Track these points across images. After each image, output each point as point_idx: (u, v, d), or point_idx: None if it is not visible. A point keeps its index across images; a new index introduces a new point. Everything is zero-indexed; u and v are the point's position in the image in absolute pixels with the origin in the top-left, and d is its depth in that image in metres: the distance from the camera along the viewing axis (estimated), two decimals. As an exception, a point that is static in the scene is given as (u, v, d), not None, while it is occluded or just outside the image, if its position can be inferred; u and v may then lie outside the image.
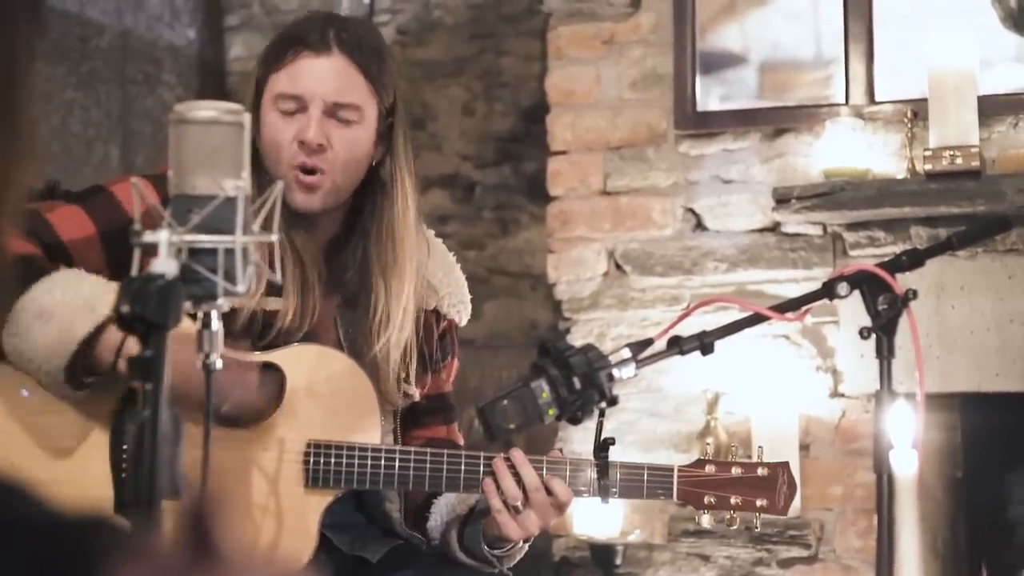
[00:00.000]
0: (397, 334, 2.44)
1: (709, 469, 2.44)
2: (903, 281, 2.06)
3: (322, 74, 2.35)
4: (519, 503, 2.35)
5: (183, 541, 0.79)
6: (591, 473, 2.38)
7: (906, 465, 1.75)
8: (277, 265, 1.99)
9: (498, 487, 2.36)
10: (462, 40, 5.00)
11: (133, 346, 2.05)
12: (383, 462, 2.35)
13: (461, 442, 2.64)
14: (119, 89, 4.80)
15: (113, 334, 2.11)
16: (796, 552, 4.01)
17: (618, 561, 4.09)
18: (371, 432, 2.39)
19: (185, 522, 0.79)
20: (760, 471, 2.44)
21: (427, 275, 2.53)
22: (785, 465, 2.47)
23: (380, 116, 2.41)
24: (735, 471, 2.44)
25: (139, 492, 1.59)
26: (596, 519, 4.09)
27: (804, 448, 4.01)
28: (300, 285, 2.38)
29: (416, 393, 2.50)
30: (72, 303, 2.14)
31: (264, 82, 2.40)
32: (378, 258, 2.44)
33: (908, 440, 1.79)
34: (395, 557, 2.48)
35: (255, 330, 2.36)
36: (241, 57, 5.24)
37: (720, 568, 4.08)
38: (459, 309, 2.60)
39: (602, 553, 4.10)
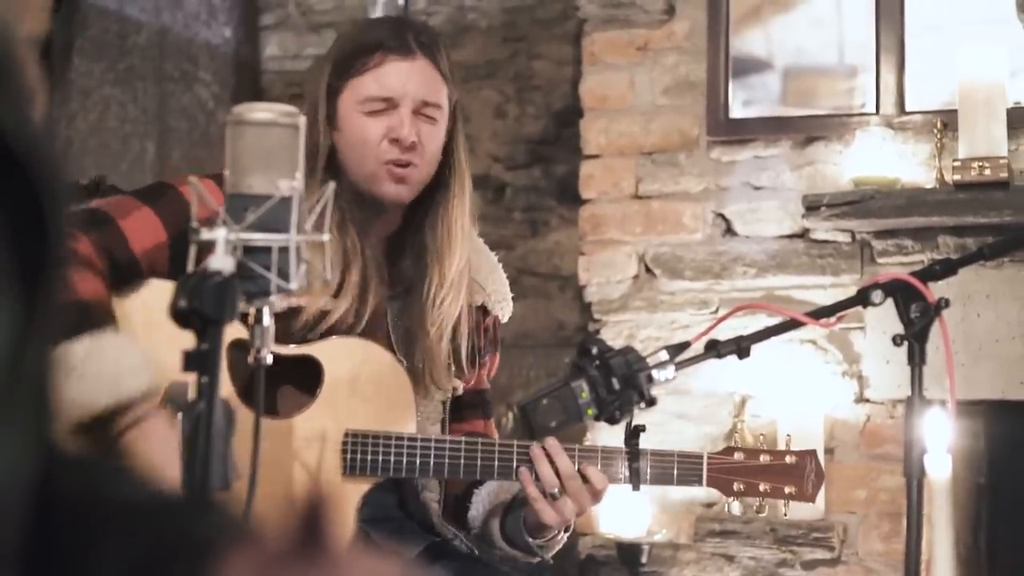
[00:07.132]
0: (448, 319, 2.52)
1: (738, 456, 2.54)
2: (932, 289, 2.10)
3: (410, 76, 2.47)
4: (555, 490, 2.41)
5: (290, 531, 0.80)
6: (622, 461, 2.46)
7: (940, 470, 1.79)
8: (328, 264, 2.05)
9: (535, 475, 2.42)
10: (495, 43, 5.04)
11: (146, 434, 2.12)
12: (419, 451, 2.42)
13: (496, 437, 2.70)
14: (156, 86, 4.85)
15: (128, 417, 2.16)
16: (820, 554, 4.04)
17: (644, 560, 4.12)
18: (407, 424, 2.46)
19: (295, 514, 0.80)
20: (788, 459, 2.53)
21: (473, 271, 2.62)
22: (812, 453, 2.55)
23: (450, 113, 2.54)
24: (763, 459, 2.53)
25: (193, 484, 1.63)
26: (622, 518, 4.13)
27: (829, 452, 4.04)
28: (361, 286, 2.47)
29: (460, 386, 2.58)
30: (101, 374, 2.15)
31: (339, 89, 2.50)
32: (434, 246, 2.53)
33: (942, 446, 1.83)
34: (431, 553, 2.53)
35: (310, 328, 2.43)
36: (276, 56, 5.29)
37: (744, 568, 4.12)
38: (502, 306, 2.70)
39: (628, 552, 4.14)
